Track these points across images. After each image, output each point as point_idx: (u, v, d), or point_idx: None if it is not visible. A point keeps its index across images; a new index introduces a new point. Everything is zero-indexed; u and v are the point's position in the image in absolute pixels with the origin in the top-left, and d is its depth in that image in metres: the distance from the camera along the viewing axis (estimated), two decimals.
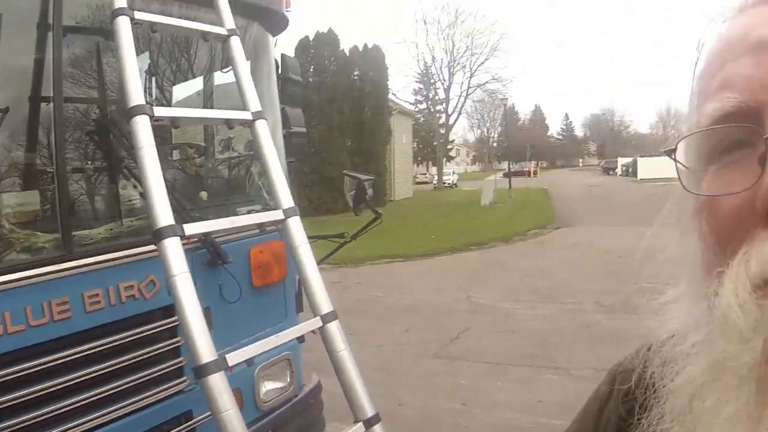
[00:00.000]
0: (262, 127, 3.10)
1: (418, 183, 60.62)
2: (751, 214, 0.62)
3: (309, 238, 3.10)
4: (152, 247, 2.59)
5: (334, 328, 2.92)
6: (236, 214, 3.57)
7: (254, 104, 3.11)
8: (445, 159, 67.77)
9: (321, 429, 3.99)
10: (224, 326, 3.13)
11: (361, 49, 37.59)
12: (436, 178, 65.12)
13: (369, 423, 2.79)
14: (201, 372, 2.35)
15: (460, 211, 31.25)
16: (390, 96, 42.85)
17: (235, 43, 3.18)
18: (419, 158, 69.10)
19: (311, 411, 3.90)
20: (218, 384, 2.33)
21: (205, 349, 2.36)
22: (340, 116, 33.08)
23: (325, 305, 2.93)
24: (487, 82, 67.14)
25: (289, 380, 3.71)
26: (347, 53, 36.08)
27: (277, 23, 4.08)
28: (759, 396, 0.59)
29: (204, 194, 3.80)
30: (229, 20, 3.20)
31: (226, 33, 3.17)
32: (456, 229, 22.45)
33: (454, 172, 75.92)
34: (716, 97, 0.67)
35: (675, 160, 0.74)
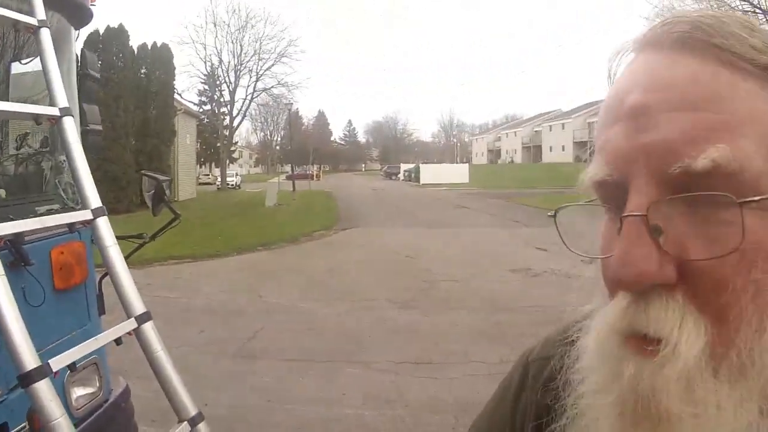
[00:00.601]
0: (69, 124, 2.96)
1: (201, 184, 59.49)
2: None
3: None
4: None
5: (149, 328, 2.85)
6: (35, 213, 3.34)
7: (62, 100, 2.94)
8: (228, 160, 66.96)
9: None
10: (30, 331, 2.93)
11: (149, 47, 36.41)
12: (219, 179, 64.22)
13: (193, 422, 2.74)
14: (26, 380, 2.19)
15: (245, 212, 31.02)
16: (176, 96, 41.79)
17: (45, 35, 2.99)
18: (202, 159, 67.70)
19: (123, 415, 3.74)
20: (45, 391, 2.20)
21: (28, 356, 2.21)
22: (126, 114, 31.76)
23: (138, 306, 2.86)
24: (272, 87, 67.03)
25: (98, 385, 3.53)
26: (135, 51, 34.83)
27: (81, 16, 3.87)
28: (620, 423, 0.66)
29: (2, 192, 3.53)
30: (40, 10, 3.00)
31: (36, 24, 2.97)
32: (242, 230, 22.26)
33: (237, 174, 75.41)
34: (595, 160, 0.70)
35: (556, 221, 0.78)
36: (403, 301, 10.77)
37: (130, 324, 2.78)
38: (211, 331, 9.17)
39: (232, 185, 64.49)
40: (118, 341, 2.79)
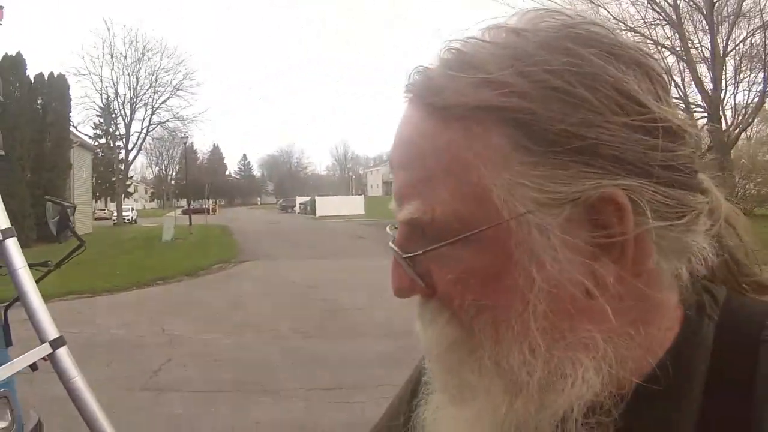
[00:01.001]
0: None
1: (97, 219, 57.64)
2: None
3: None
4: None
5: (64, 353, 2.70)
6: None
7: None
8: (124, 195, 65.17)
9: None
10: None
11: (46, 77, 35.30)
12: (115, 213, 62.38)
13: None
14: None
15: (142, 246, 30.31)
16: (71, 128, 40.59)
17: None
18: (98, 193, 65.72)
19: None
20: None
21: None
22: (22, 147, 30.67)
23: (52, 330, 2.71)
24: (168, 120, 66.00)
25: (9, 419, 3.30)
26: (32, 80, 33.71)
27: None
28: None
29: None
30: None
31: None
32: (141, 265, 21.73)
33: (133, 209, 73.49)
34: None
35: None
36: (307, 330, 10.79)
37: (44, 349, 2.64)
38: (117, 364, 8.98)
39: (129, 220, 62.81)
40: (33, 367, 2.68)
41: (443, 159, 0.68)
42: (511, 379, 0.69)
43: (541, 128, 0.64)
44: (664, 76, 0.70)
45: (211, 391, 7.71)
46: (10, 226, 2.78)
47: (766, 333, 0.69)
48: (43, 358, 2.69)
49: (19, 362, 2.59)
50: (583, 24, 0.69)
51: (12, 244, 2.75)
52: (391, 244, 0.76)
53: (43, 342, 2.66)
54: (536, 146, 0.65)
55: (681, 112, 0.71)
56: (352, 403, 6.95)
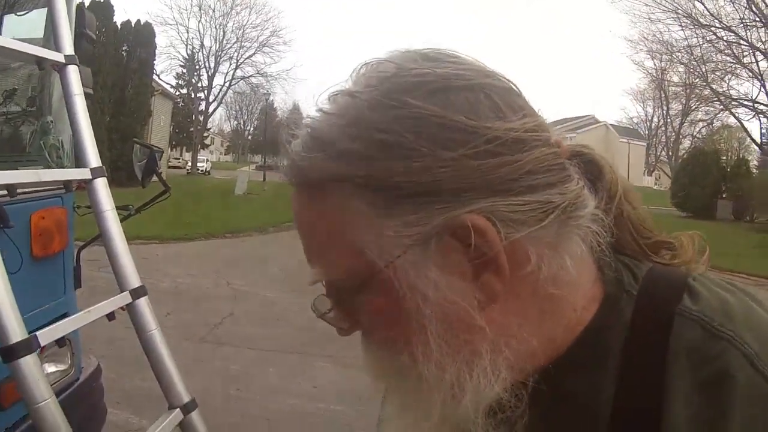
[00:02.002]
0: (73, 74, 2.67)
1: (171, 167, 58.72)
2: None
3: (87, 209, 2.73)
4: None
5: (143, 304, 2.58)
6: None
7: (68, 46, 2.65)
8: (200, 146, 66.14)
9: (103, 415, 3.55)
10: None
11: (133, 25, 35.77)
12: (190, 163, 63.35)
13: (186, 409, 2.48)
14: (10, 354, 1.90)
15: (214, 198, 30.57)
16: (154, 77, 41.17)
17: None
18: (174, 142, 66.76)
19: (93, 396, 3.46)
20: (32, 368, 1.92)
21: (15, 327, 1.92)
22: (103, 91, 31.02)
23: (134, 279, 2.59)
24: (251, 76, 66.18)
25: (69, 362, 3.24)
26: (119, 27, 34.18)
27: None
28: None
29: None
30: None
31: None
32: (211, 216, 21.80)
33: (207, 160, 74.56)
34: None
35: None
36: None
37: (124, 298, 2.51)
38: (178, 313, 8.85)
39: (202, 171, 63.72)
40: (110, 316, 2.51)
41: (323, 228, 0.77)
42: (432, 391, 0.75)
43: (383, 185, 0.71)
44: (511, 86, 0.77)
45: (270, 350, 7.55)
46: (100, 165, 2.63)
47: (682, 305, 0.75)
48: (121, 308, 2.60)
49: (96, 311, 2.47)
50: (412, 68, 0.74)
51: (101, 185, 2.66)
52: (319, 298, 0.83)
53: (123, 290, 2.60)
54: (385, 200, 0.72)
55: (524, 118, 0.74)
56: None
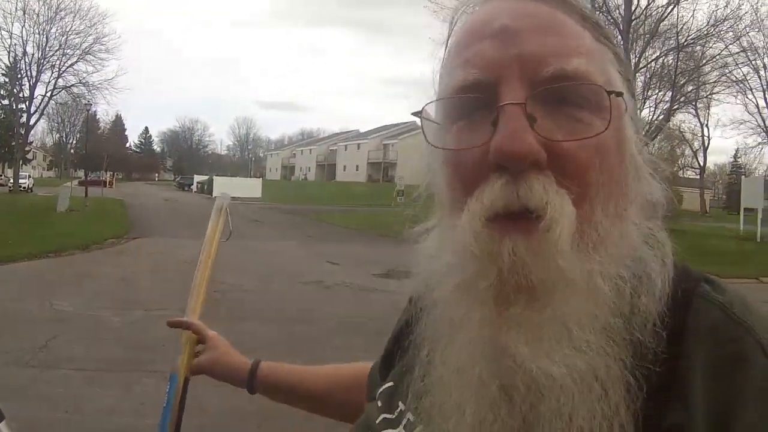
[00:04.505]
0: None
1: None
2: (485, 164, 0.75)
3: None
4: None
5: None
6: None
7: None
8: (22, 161, 61.89)
9: None
10: None
11: None
12: (11, 180, 59.27)
13: None
14: None
15: (36, 216, 28.88)
16: None
17: None
18: None
19: None
20: None
21: None
22: None
23: None
24: (73, 85, 62.56)
25: None
26: None
27: None
28: (497, 307, 0.74)
29: None
30: None
31: None
32: (34, 235, 20.75)
33: (30, 176, 70.10)
34: (462, 70, 0.80)
35: (422, 118, 0.86)
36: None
37: None
38: (0, 339, 8.58)
39: (25, 188, 59.75)
40: None
41: (583, 42, 0.80)
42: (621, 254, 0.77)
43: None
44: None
45: (96, 369, 7.50)
46: None
47: (703, 288, 0.78)
48: None
49: None
50: None
51: None
52: (511, 101, 0.74)
53: None
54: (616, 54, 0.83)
55: None
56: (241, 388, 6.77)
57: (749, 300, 0.78)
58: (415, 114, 0.87)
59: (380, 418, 0.99)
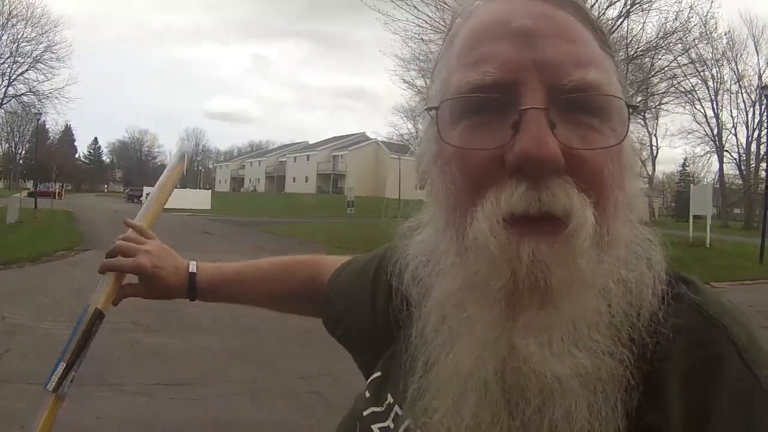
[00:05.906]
0: None
1: None
2: (500, 166, 0.74)
3: None
4: None
5: None
6: None
7: None
8: None
9: None
10: None
11: None
12: None
13: None
14: None
15: None
16: None
17: None
18: None
19: None
20: None
21: None
22: None
23: None
24: (23, 94, 60.94)
25: None
26: None
27: None
28: (508, 308, 0.73)
29: None
30: None
31: None
32: None
33: None
34: (475, 69, 0.77)
35: (437, 115, 0.82)
36: (149, 323, 10.38)
37: None
38: None
39: None
40: None
41: (596, 51, 0.81)
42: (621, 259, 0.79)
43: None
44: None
45: None
46: None
47: (681, 290, 0.80)
48: None
49: None
50: None
51: None
52: (534, 105, 0.74)
53: None
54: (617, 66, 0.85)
55: None
56: (196, 399, 6.79)
57: (725, 300, 0.79)
58: (428, 109, 0.85)
59: (368, 411, 0.99)
